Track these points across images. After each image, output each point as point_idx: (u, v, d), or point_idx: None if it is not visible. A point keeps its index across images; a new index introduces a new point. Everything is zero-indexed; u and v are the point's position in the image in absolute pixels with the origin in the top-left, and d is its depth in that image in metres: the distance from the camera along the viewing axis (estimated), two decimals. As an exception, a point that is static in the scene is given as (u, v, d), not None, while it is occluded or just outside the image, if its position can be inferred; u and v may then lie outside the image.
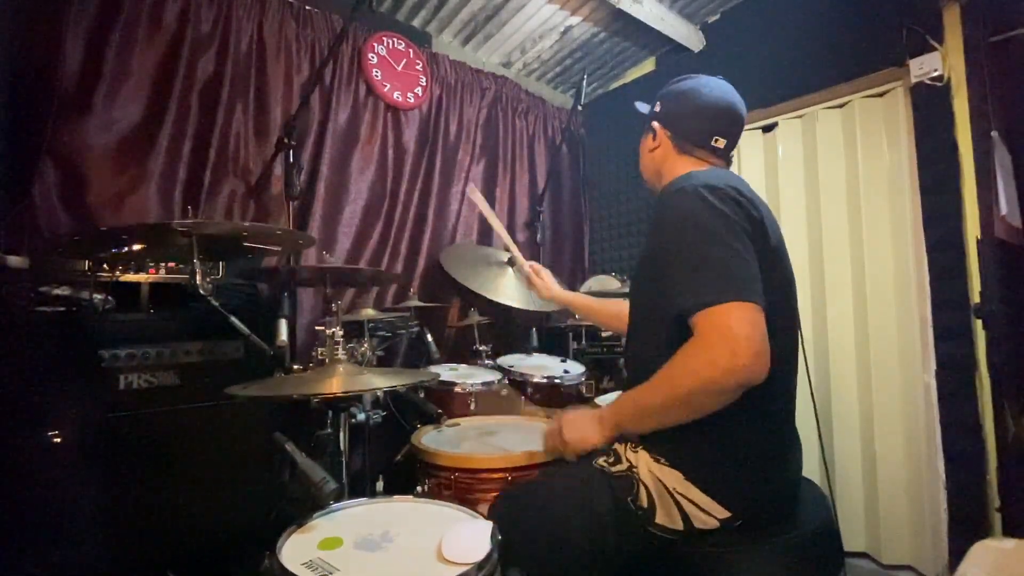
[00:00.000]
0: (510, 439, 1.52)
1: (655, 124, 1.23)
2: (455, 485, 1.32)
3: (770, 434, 1.03)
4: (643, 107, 1.34)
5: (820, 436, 1.56)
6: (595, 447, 1.09)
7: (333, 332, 1.24)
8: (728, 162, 1.23)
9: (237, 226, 1.42)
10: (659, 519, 0.98)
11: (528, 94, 3.22)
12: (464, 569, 0.85)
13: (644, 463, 1.01)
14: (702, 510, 0.96)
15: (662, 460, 1.00)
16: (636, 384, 1.09)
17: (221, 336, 1.56)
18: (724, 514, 0.95)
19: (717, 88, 1.20)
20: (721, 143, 1.19)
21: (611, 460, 1.05)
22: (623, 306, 1.52)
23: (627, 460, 1.03)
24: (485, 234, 2.93)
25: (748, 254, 0.94)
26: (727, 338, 0.87)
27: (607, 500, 1.00)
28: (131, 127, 1.89)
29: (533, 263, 1.69)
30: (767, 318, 0.91)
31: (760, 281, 0.92)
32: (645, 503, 0.98)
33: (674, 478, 0.98)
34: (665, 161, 1.22)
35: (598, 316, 1.63)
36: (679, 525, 0.97)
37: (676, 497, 0.97)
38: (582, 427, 1.10)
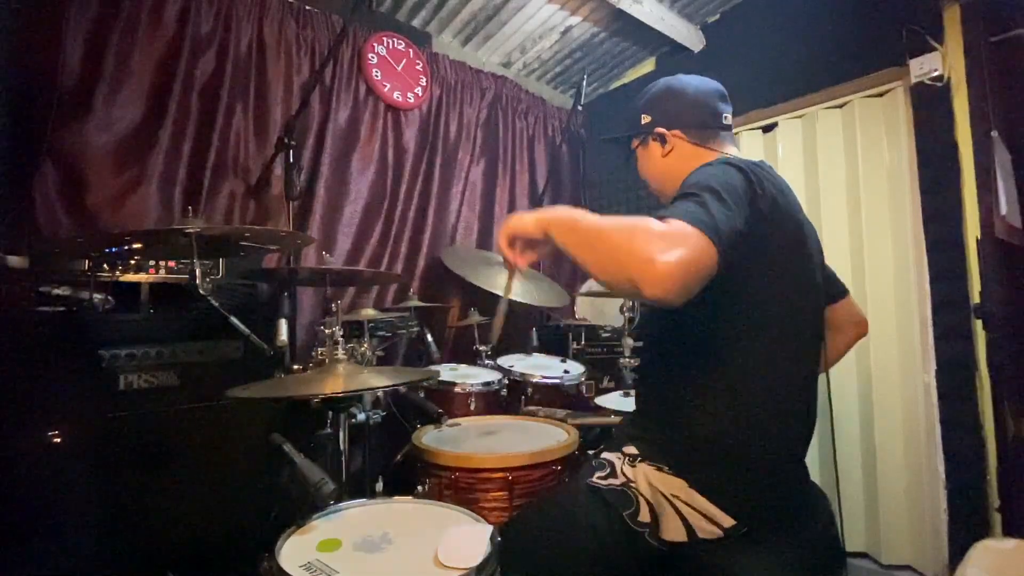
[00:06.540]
0: (511, 439, 1.52)
1: (660, 130, 1.20)
2: (456, 485, 1.32)
3: (779, 443, 1.00)
4: (621, 132, 1.29)
5: (833, 438, 1.55)
6: (527, 233, 0.99)
7: (333, 332, 1.24)
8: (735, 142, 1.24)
9: (237, 230, 1.43)
10: (662, 533, 0.97)
11: (528, 94, 3.21)
12: (460, 574, 0.85)
13: (643, 476, 1.00)
14: (706, 518, 0.95)
15: (665, 469, 0.98)
16: (647, 400, 1.14)
17: (221, 336, 1.55)
18: (729, 522, 0.94)
19: (692, 77, 1.24)
20: (729, 117, 1.22)
21: (605, 474, 1.04)
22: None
23: (623, 475, 1.02)
24: (485, 234, 2.93)
25: (740, 213, 0.90)
26: (664, 247, 0.78)
27: (602, 518, 0.99)
28: (131, 127, 1.89)
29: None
30: (756, 309, 0.91)
31: (735, 237, 0.86)
32: (648, 518, 0.97)
33: (678, 486, 0.96)
34: (683, 161, 1.17)
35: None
36: (683, 536, 0.96)
37: (678, 507, 0.96)
38: (521, 217, 1.01)
